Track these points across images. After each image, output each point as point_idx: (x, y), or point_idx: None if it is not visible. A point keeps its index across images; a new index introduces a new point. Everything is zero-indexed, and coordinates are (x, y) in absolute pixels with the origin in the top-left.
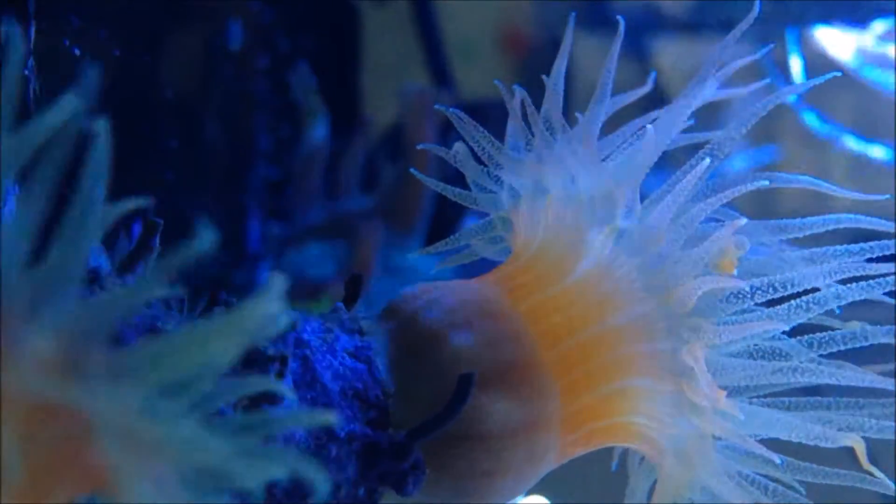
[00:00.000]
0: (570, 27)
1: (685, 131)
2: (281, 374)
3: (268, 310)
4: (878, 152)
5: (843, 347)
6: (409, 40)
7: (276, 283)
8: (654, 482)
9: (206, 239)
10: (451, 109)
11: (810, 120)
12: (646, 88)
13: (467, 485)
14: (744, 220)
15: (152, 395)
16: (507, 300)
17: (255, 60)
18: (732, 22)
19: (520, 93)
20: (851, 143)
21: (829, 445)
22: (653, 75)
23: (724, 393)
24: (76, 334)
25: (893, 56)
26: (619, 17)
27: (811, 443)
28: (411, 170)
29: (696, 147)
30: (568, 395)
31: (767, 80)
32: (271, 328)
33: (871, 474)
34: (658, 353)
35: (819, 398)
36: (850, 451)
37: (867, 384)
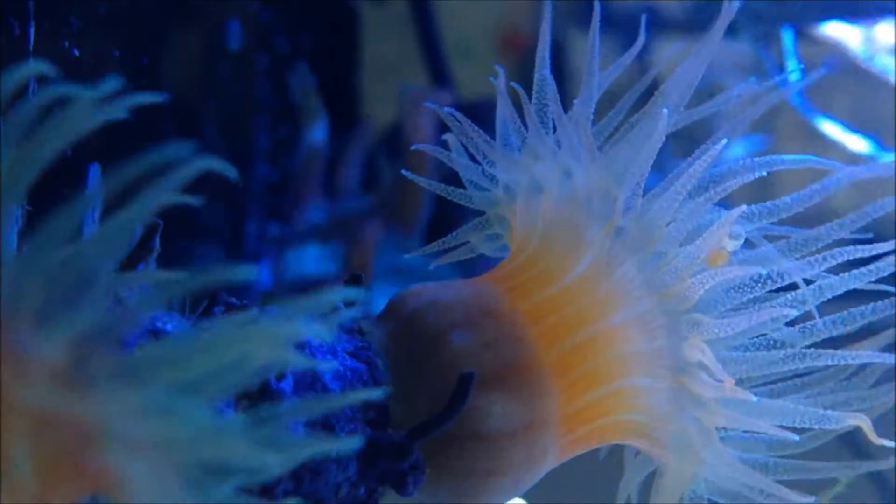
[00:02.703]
0: (548, 16)
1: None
2: (281, 375)
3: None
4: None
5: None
6: (408, 40)
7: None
8: (648, 475)
9: (234, 273)
10: (444, 109)
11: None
12: (633, 54)
13: (467, 484)
14: (734, 213)
15: (160, 395)
16: (507, 299)
17: (254, 60)
18: (732, 22)
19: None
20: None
21: (834, 427)
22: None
23: (733, 381)
24: (85, 341)
25: None
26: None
27: (816, 426)
28: (403, 171)
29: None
30: (567, 394)
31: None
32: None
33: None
34: (658, 351)
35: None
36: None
37: (864, 360)
